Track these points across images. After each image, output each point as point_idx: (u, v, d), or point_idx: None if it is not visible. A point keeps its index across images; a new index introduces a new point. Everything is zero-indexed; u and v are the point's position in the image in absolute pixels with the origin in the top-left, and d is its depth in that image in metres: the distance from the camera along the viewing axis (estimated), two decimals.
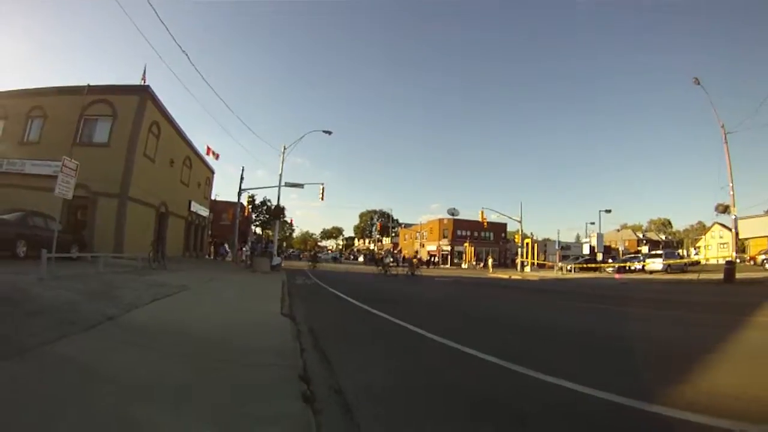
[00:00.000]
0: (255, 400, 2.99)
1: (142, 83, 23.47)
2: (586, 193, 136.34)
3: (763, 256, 28.35)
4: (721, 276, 19.34)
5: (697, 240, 75.61)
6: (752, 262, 31.02)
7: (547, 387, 3.66)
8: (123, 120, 21.09)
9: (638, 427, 2.87)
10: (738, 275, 19.26)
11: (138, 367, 3.55)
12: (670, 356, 4.98)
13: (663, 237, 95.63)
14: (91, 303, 6.28)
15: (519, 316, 9.42)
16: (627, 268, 34.11)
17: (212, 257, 40.21)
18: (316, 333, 6.20)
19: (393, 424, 2.87)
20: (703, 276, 22.37)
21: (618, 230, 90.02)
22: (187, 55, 16.51)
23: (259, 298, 10.11)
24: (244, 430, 2.51)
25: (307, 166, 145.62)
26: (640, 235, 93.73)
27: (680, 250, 62.49)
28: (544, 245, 59.73)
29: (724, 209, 26.62)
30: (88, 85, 21.09)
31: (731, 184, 23.90)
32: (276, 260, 24.35)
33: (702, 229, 79.36)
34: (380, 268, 28.76)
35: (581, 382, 3.63)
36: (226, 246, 39.14)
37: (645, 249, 61.50)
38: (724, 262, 22.69)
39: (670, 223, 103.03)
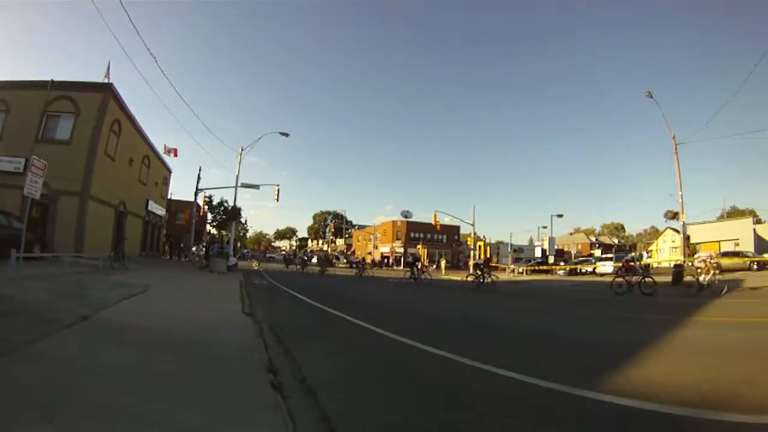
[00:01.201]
0: (230, 389, 3.39)
1: (106, 80, 23.06)
2: (540, 197, 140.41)
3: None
4: (669, 279, 19.79)
5: (649, 244, 78.64)
6: None
7: (490, 375, 4.19)
8: (85, 117, 20.69)
9: (573, 409, 3.27)
10: (687, 278, 19.95)
11: (118, 362, 3.84)
12: (610, 351, 5.48)
13: (616, 241, 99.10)
14: (64, 303, 6.42)
15: (468, 316, 9.87)
16: (578, 270, 35.04)
17: (168, 257, 39.69)
18: (277, 329, 6.56)
19: (352, 405, 3.30)
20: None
21: (571, 234, 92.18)
22: (155, 58, 16.56)
23: (220, 298, 10.36)
24: (225, 413, 2.88)
25: (262, 166, 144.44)
26: (593, 239, 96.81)
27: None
28: (497, 248, 60.03)
29: (673, 216, 27.97)
30: (52, 81, 20.53)
31: (680, 192, 25.34)
32: (232, 260, 24.57)
33: (655, 233, 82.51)
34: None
35: (522, 372, 4.12)
36: (182, 245, 38.78)
37: (598, 252, 63.56)
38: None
39: (623, 227, 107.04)
